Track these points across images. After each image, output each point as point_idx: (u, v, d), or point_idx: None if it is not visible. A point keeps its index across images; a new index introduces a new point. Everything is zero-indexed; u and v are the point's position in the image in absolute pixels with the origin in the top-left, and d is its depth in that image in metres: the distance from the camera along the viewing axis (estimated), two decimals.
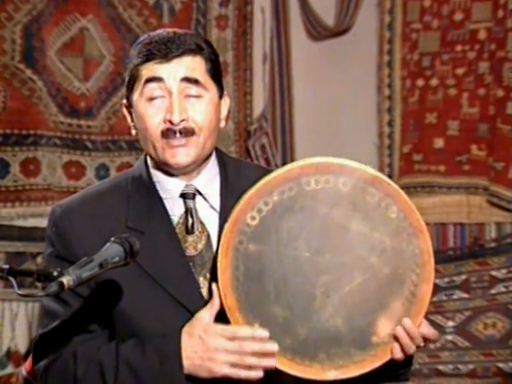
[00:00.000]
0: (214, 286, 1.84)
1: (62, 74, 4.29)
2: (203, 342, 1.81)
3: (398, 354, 1.85)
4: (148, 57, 1.90)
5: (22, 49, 4.19)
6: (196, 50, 1.92)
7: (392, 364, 1.87)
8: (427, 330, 1.87)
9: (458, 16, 4.60)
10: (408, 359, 1.89)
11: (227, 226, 1.84)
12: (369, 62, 4.83)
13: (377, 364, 1.86)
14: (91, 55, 4.38)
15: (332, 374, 1.85)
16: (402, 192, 1.86)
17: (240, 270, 1.83)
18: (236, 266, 1.83)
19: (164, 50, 1.89)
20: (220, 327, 1.82)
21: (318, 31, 4.85)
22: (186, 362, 1.81)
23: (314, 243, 1.84)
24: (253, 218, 1.84)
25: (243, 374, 1.81)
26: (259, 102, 4.80)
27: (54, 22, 4.27)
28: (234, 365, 1.80)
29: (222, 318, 1.83)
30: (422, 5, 4.70)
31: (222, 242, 1.84)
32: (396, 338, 1.85)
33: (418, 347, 1.86)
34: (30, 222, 4.19)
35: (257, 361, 1.81)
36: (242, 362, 1.80)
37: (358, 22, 4.82)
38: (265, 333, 1.81)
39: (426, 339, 1.87)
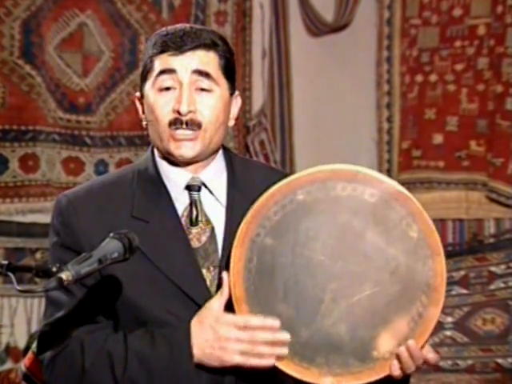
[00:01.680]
0: (224, 274, 1.85)
1: (61, 69, 4.29)
2: (214, 332, 1.81)
3: (396, 372, 1.85)
4: (163, 48, 1.92)
5: (21, 44, 4.18)
6: (210, 45, 1.93)
7: (389, 380, 1.87)
8: (429, 353, 1.87)
9: (457, 12, 4.60)
10: (405, 378, 1.89)
11: (247, 217, 1.84)
12: (368, 58, 4.83)
13: (373, 378, 1.85)
14: (90, 51, 4.38)
15: (328, 381, 1.85)
16: (424, 211, 1.85)
17: (253, 263, 1.83)
18: (250, 258, 1.83)
19: (179, 43, 1.91)
20: (231, 317, 1.82)
21: (317, 27, 4.85)
22: (196, 351, 1.82)
23: (330, 248, 1.84)
24: (275, 213, 1.84)
25: (254, 362, 1.81)
26: (258, 97, 4.80)
27: (53, 17, 4.27)
28: (245, 353, 1.81)
29: (229, 307, 1.84)
30: (421, 0, 4.70)
31: (239, 232, 1.84)
32: (397, 357, 1.85)
33: (417, 368, 1.86)
34: (29, 218, 4.19)
35: (269, 349, 1.81)
36: (253, 350, 1.81)
37: (357, 17, 4.82)
38: (276, 322, 1.81)
39: (425, 361, 1.87)
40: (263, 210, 1.84)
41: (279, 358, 1.82)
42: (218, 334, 1.81)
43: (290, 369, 1.84)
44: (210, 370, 1.84)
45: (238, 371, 1.84)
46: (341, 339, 1.84)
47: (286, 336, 1.81)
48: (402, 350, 1.83)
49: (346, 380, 1.85)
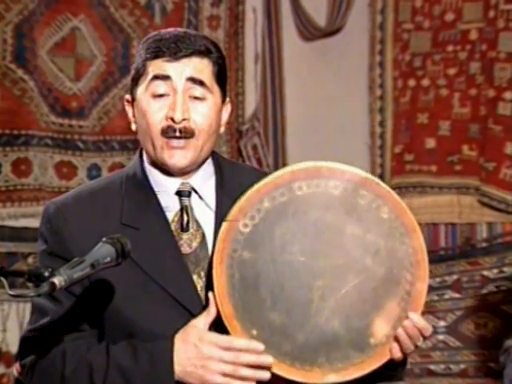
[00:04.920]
0: (210, 294, 1.84)
1: (54, 74, 4.29)
2: (198, 350, 1.80)
3: (397, 354, 1.86)
4: (157, 53, 1.91)
5: (14, 49, 4.18)
6: (205, 52, 1.93)
7: (389, 363, 1.88)
8: (422, 323, 1.87)
9: (450, 16, 4.60)
10: (404, 358, 1.90)
11: (220, 235, 1.84)
12: (360, 62, 4.84)
13: (375, 365, 1.86)
14: (83, 55, 4.37)
15: (332, 377, 1.85)
16: (392, 192, 1.87)
17: (235, 278, 1.84)
18: (231, 274, 1.84)
19: (174, 49, 1.91)
20: (215, 336, 1.82)
21: (309, 31, 4.85)
22: (177, 368, 1.81)
23: (308, 247, 1.84)
24: (245, 226, 1.84)
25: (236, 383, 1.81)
26: (251, 102, 4.80)
27: (46, 21, 4.26)
28: (226, 375, 1.80)
29: (218, 325, 1.83)
30: (413, 5, 4.70)
31: (216, 251, 1.84)
32: (396, 339, 1.85)
33: (416, 346, 1.87)
34: (22, 223, 4.18)
35: (251, 372, 1.81)
36: (236, 372, 1.80)
37: (350, 22, 4.82)
38: (260, 345, 1.81)
39: (422, 335, 1.87)
40: (234, 224, 1.84)
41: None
42: (200, 352, 1.80)
43: (292, 374, 1.85)
44: None
45: None
46: (337, 334, 1.85)
47: (269, 359, 1.81)
48: (400, 331, 1.84)
49: (349, 373, 1.86)
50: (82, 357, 1.86)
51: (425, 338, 1.88)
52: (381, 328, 1.86)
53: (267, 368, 1.82)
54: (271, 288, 1.84)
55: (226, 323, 1.83)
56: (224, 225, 1.85)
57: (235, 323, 1.83)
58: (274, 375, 1.84)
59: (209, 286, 1.87)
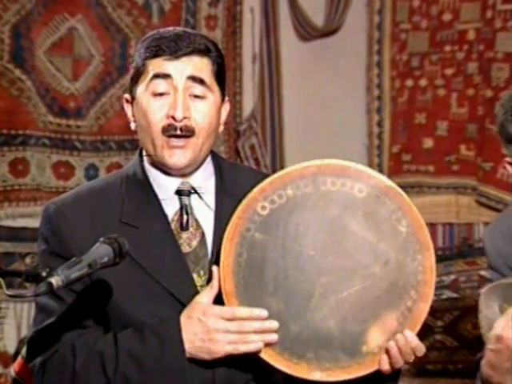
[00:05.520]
0: (214, 268, 1.85)
1: (51, 73, 4.28)
2: (203, 324, 1.82)
3: (386, 366, 1.86)
4: (157, 52, 1.92)
5: (11, 49, 4.18)
6: (204, 51, 1.93)
7: (379, 375, 1.87)
8: (416, 342, 1.87)
9: (447, 16, 4.61)
10: (395, 373, 1.89)
11: (237, 211, 1.85)
12: (358, 63, 4.84)
13: (362, 373, 1.86)
14: (80, 55, 4.37)
15: (317, 375, 1.86)
16: (413, 206, 1.87)
17: (243, 257, 1.85)
18: (239, 253, 1.85)
19: (173, 47, 1.91)
20: (218, 308, 1.83)
21: (307, 31, 4.85)
22: (187, 345, 1.83)
23: (320, 243, 1.85)
24: (263, 208, 1.85)
25: (243, 348, 1.82)
26: (249, 102, 4.80)
27: (43, 21, 4.26)
28: (234, 343, 1.82)
29: (218, 302, 1.85)
30: (411, 5, 4.71)
31: (229, 227, 1.85)
32: (387, 351, 1.85)
33: (406, 363, 1.87)
34: (19, 223, 4.18)
35: (258, 337, 1.83)
36: (243, 340, 1.82)
37: (347, 22, 4.83)
38: (264, 312, 1.82)
39: (414, 353, 1.87)
40: (253, 204, 1.85)
41: (269, 345, 1.83)
42: (206, 326, 1.82)
43: (279, 363, 1.85)
44: (201, 364, 1.85)
45: (228, 364, 1.85)
46: (330, 334, 1.85)
47: (273, 323, 1.83)
48: (392, 344, 1.84)
49: (336, 374, 1.86)
50: (91, 348, 1.87)
51: (416, 356, 1.88)
52: (375, 338, 1.85)
53: (273, 332, 1.83)
54: (276, 274, 1.84)
55: (225, 300, 1.84)
56: (242, 203, 1.85)
57: (234, 301, 1.84)
58: (261, 359, 1.85)
59: (217, 261, 1.88)
